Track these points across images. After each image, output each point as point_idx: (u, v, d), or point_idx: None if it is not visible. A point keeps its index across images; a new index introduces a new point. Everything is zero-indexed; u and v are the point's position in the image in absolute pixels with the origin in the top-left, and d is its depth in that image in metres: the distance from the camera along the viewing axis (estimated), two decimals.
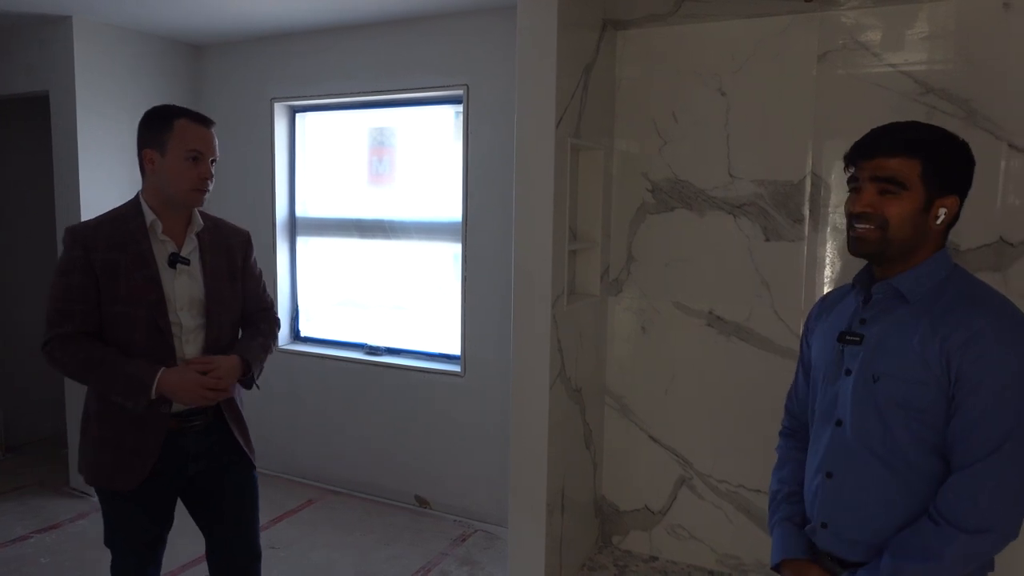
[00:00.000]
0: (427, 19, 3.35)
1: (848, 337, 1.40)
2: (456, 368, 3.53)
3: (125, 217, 1.84)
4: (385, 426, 3.71)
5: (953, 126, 2.53)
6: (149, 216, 1.84)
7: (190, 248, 1.89)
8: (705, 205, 2.91)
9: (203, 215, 1.96)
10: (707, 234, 2.90)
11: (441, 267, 3.63)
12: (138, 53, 3.72)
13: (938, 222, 1.33)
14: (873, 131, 1.39)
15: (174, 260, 1.84)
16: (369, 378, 3.73)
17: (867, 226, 1.34)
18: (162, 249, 1.85)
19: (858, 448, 1.36)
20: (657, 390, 3.06)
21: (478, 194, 3.35)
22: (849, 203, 1.38)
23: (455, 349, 3.55)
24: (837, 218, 2.71)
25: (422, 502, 3.65)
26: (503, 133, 3.19)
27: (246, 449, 2.00)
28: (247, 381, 1.95)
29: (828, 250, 2.74)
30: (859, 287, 1.45)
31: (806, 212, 2.75)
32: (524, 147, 2.55)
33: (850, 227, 1.38)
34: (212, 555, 2.06)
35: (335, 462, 3.85)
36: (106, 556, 1.99)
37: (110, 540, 1.95)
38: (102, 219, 1.85)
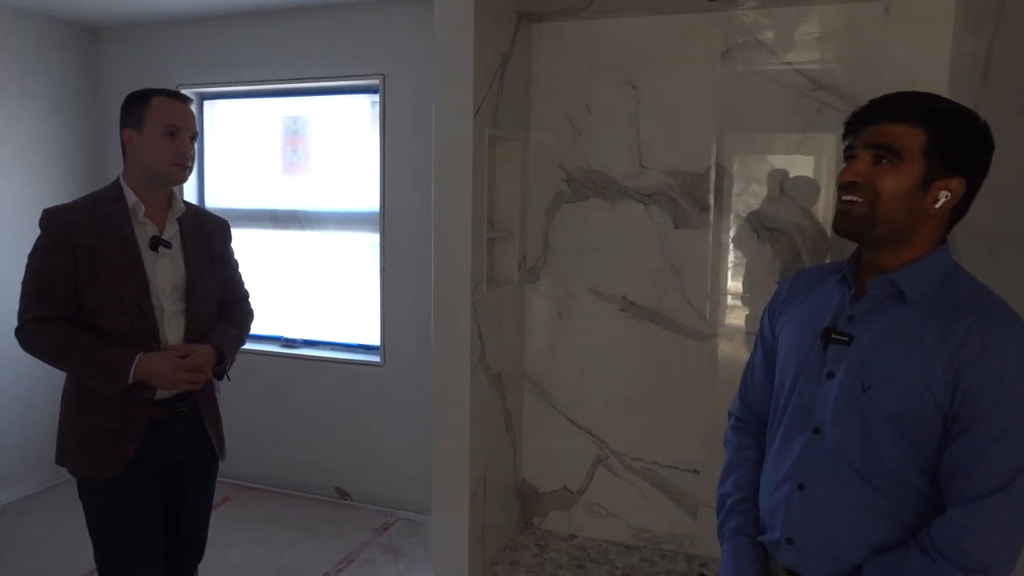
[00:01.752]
0: (343, 6, 3.32)
1: (835, 336, 1.22)
2: (376, 358, 3.53)
3: (106, 200, 1.81)
4: (303, 419, 3.66)
5: (840, 121, 2.74)
6: (131, 199, 1.81)
7: (171, 232, 1.87)
8: (618, 194, 3.02)
9: (184, 201, 1.94)
10: (620, 222, 3.02)
11: (359, 257, 3.61)
12: (26, 36, 3.51)
13: (937, 206, 1.15)
14: (881, 96, 1.20)
15: (156, 243, 1.82)
16: (286, 371, 3.68)
17: (855, 198, 1.16)
18: (144, 232, 1.82)
19: (836, 460, 1.20)
20: (574, 374, 3.16)
21: (396, 184, 3.36)
22: (840, 173, 1.20)
23: (374, 339, 3.54)
24: (740, 206, 2.87)
25: (343, 494, 3.63)
26: (420, 123, 3.21)
27: (215, 442, 1.98)
28: (218, 372, 1.94)
29: (732, 236, 2.90)
30: (847, 277, 1.27)
31: (711, 200, 2.90)
32: (442, 137, 2.58)
33: (837, 199, 1.20)
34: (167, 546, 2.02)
35: (252, 458, 3.77)
36: None
37: (103, 546, 1.84)
38: (81, 202, 1.81)
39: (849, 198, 1.16)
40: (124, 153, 1.85)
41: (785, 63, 2.76)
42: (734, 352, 2.92)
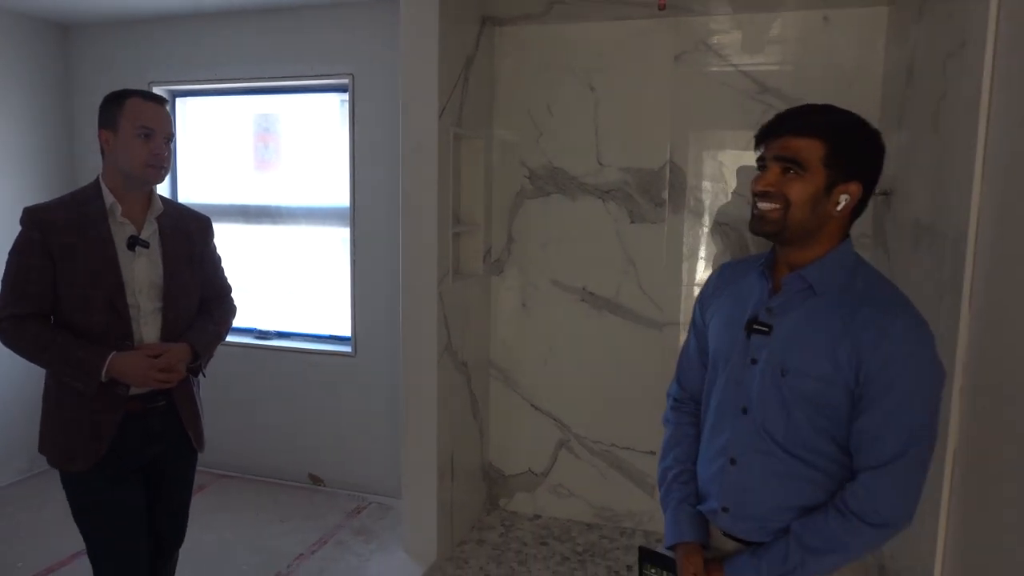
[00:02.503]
0: (313, 8, 3.42)
1: (756, 326, 1.36)
2: (347, 349, 3.64)
3: (84, 199, 1.84)
4: (277, 409, 3.77)
5: None
6: (108, 199, 1.83)
7: (149, 231, 1.90)
8: (578, 190, 3.17)
9: (163, 200, 1.96)
10: (580, 217, 3.17)
11: (329, 251, 3.72)
12: None
13: (838, 208, 1.28)
14: (785, 111, 1.35)
15: (133, 243, 1.84)
16: (259, 362, 3.78)
17: (769, 205, 1.29)
18: (121, 232, 1.84)
19: (762, 436, 1.35)
20: (537, 361, 3.31)
21: (365, 180, 3.47)
22: (753, 182, 1.34)
23: (345, 330, 3.66)
24: (692, 202, 3.04)
25: (316, 480, 3.75)
26: (388, 121, 3.32)
27: (191, 435, 1.99)
28: (194, 369, 1.95)
29: (685, 230, 3.07)
30: (765, 273, 1.40)
31: (666, 196, 3.06)
32: (409, 136, 2.71)
33: (753, 206, 1.34)
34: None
35: (226, 447, 3.87)
36: None
37: (88, 547, 1.89)
38: (60, 201, 1.85)
39: (763, 204, 1.30)
40: (102, 153, 1.87)
41: (733, 66, 2.93)
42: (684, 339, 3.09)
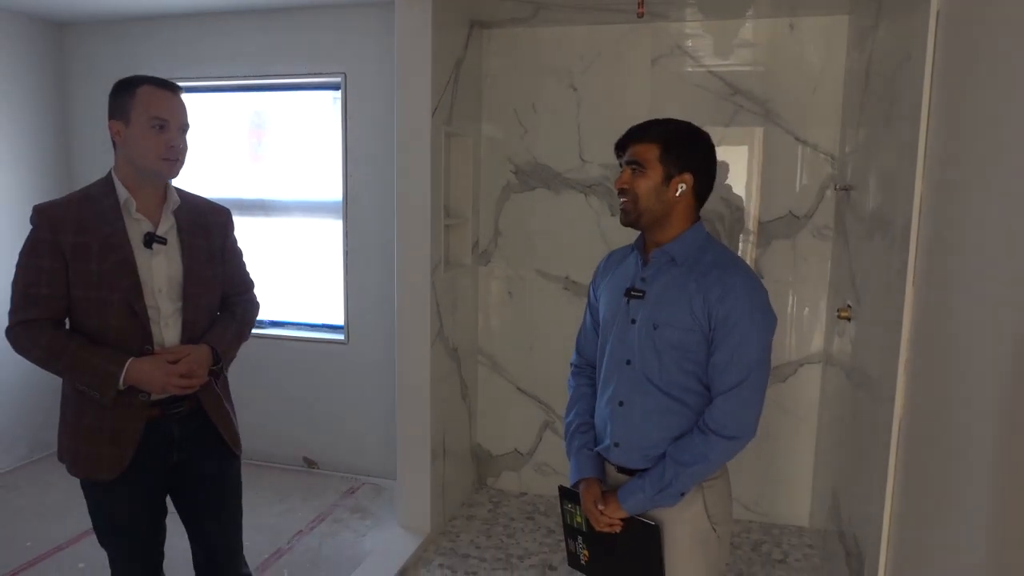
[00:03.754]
0: (306, 9, 3.56)
1: (633, 292, 1.66)
2: (340, 337, 3.80)
3: (97, 196, 1.73)
4: (273, 395, 3.91)
5: (755, 122, 3.14)
6: (123, 194, 1.73)
7: (167, 226, 1.78)
8: (561, 185, 3.36)
9: (180, 192, 1.85)
10: (563, 210, 3.36)
11: (323, 243, 3.87)
12: None
13: (678, 194, 1.59)
14: (633, 126, 1.67)
15: (150, 240, 1.73)
16: (256, 350, 3.90)
17: (624, 199, 1.61)
18: (137, 228, 1.73)
19: (643, 381, 1.64)
20: (523, 347, 3.50)
21: (357, 174, 3.62)
22: (615, 184, 1.66)
23: (339, 319, 3.82)
24: None
25: (310, 463, 3.91)
26: (379, 118, 3.48)
27: (225, 437, 1.90)
28: (215, 372, 1.85)
29: None
30: (638, 252, 1.71)
31: None
32: (404, 135, 2.88)
33: (619, 202, 1.65)
34: (194, 553, 1.99)
35: None
36: None
37: (105, 540, 1.84)
38: (72, 198, 1.74)
39: (621, 200, 1.62)
40: (114, 145, 1.76)
41: (706, 69, 3.13)
42: None
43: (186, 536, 1.98)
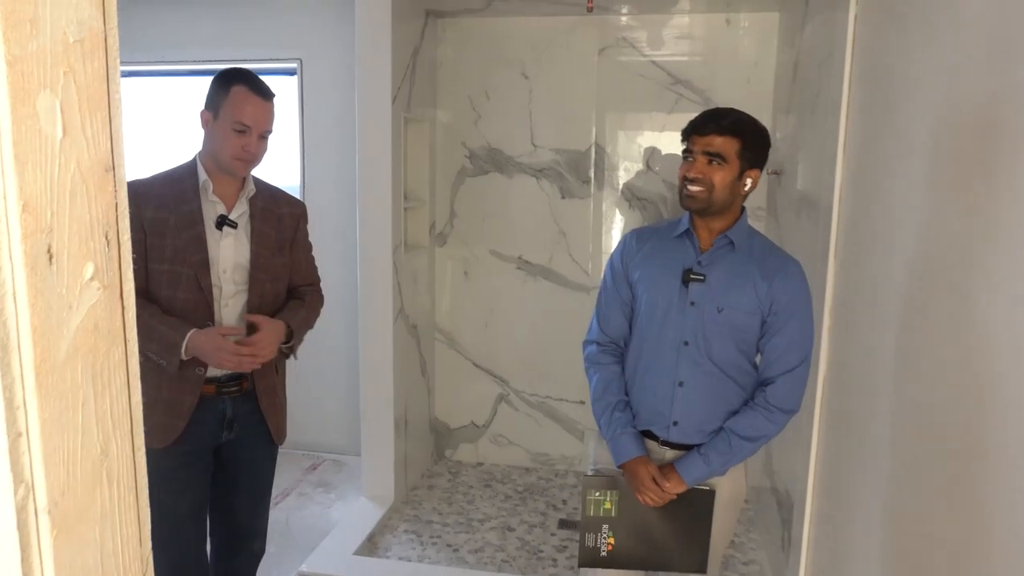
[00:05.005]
0: None
1: (693, 276, 1.70)
2: None
3: (180, 176, 1.83)
4: None
5: (696, 110, 3.34)
6: (202, 176, 1.83)
7: (240, 212, 1.87)
8: (513, 169, 3.52)
9: (258, 182, 1.94)
10: (516, 193, 3.53)
11: None
12: None
13: (745, 190, 1.68)
14: (705, 113, 1.69)
15: (221, 222, 1.82)
16: None
17: (698, 188, 1.64)
18: (212, 210, 1.83)
19: (703, 361, 1.71)
20: (478, 324, 3.67)
21: (315, 159, 3.71)
22: (684, 169, 1.68)
23: None
24: (615, 179, 3.45)
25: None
26: (336, 104, 3.57)
27: (270, 425, 1.95)
28: (286, 350, 1.92)
29: (608, 205, 3.47)
30: (689, 236, 1.75)
31: (592, 175, 3.46)
32: (365, 121, 2.99)
33: (683, 187, 1.68)
34: (216, 528, 2.03)
35: None
36: None
37: (157, 523, 1.82)
38: (158, 176, 1.84)
39: (695, 188, 1.66)
40: (204, 130, 1.85)
41: (650, 60, 3.33)
42: None
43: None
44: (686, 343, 1.73)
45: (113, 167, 0.47)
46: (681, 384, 1.75)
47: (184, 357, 1.74)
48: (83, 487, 0.44)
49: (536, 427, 3.68)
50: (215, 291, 1.81)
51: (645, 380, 1.80)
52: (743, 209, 1.76)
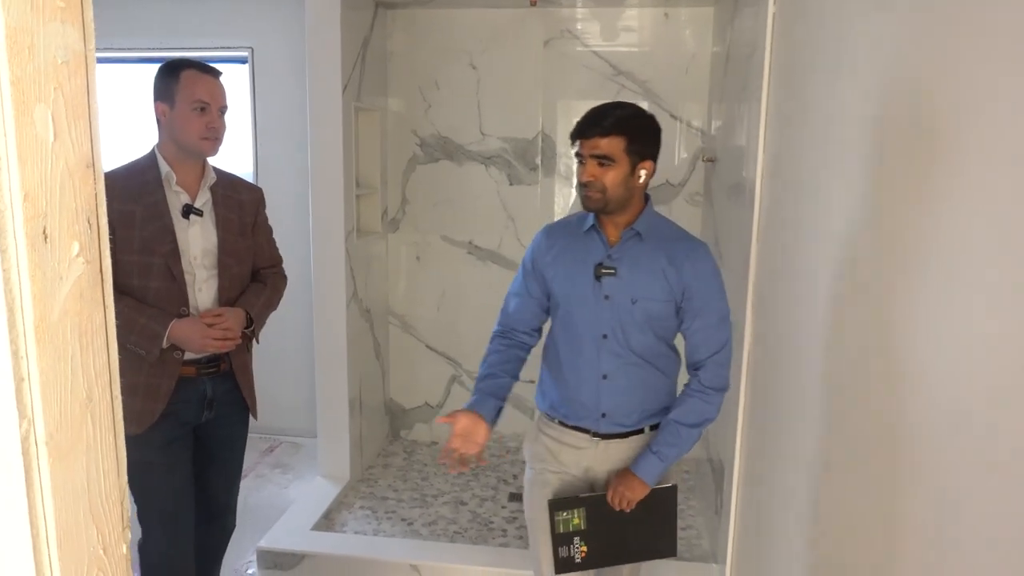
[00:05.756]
0: None
1: (604, 270, 1.72)
2: None
3: (141, 169, 1.88)
4: None
5: (636, 100, 3.50)
6: (164, 168, 1.87)
7: (203, 200, 1.94)
8: (463, 157, 3.63)
9: (216, 170, 2.01)
10: (465, 180, 3.64)
11: None
12: None
13: (640, 181, 1.69)
14: (588, 115, 1.68)
15: (188, 211, 1.88)
16: None
17: (593, 191, 1.66)
18: (176, 200, 1.88)
19: (624, 353, 1.73)
20: (431, 308, 3.78)
21: (267, 146, 3.76)
22: (578, 174, 1.71)
23: None
24: (560, 167, 3.58)
25: None
26: (288, 92, 3.62)
27: (248, 401, 2.06)
28: (247, 335, 2.01)
29: (555, 191, 3.61)
30: (596, 232, 1.77)
31: (539, 162, 3.58)
32: (317, 111, 3.06)
33: (580, 191, 1.70)
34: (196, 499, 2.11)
35: None
36: None
37: (137, 498, 1.93)
38: (119, 170, 1.88)
39: (588, 192, 1.68)
40: (158, 124, 1.90)
41: (593, 52, 3.46)
42: None
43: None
44: (605, 336, 1.75)
45: (93, 164, 0.58)
46: (605, 377, 1.77)
47: (165, 346, 1.82)
48: (72, 424, 0.54)
49: None
50: (188, 278, 1.89)
51: (569, 376, 1.81)
52: (647, 198, 1.78)
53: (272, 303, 2.12)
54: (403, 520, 3.10)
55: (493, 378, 1.85)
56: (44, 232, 0.53)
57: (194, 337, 1.83)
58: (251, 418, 2.15)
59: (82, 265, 0.57)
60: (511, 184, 3.61)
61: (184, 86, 1.83)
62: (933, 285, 1.03)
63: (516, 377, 1.90)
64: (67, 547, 0.54)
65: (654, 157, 1.72)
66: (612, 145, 1.65)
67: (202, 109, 1.84)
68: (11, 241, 0.50)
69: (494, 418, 1.80)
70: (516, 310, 1.91)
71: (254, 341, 2.09)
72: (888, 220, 1.24)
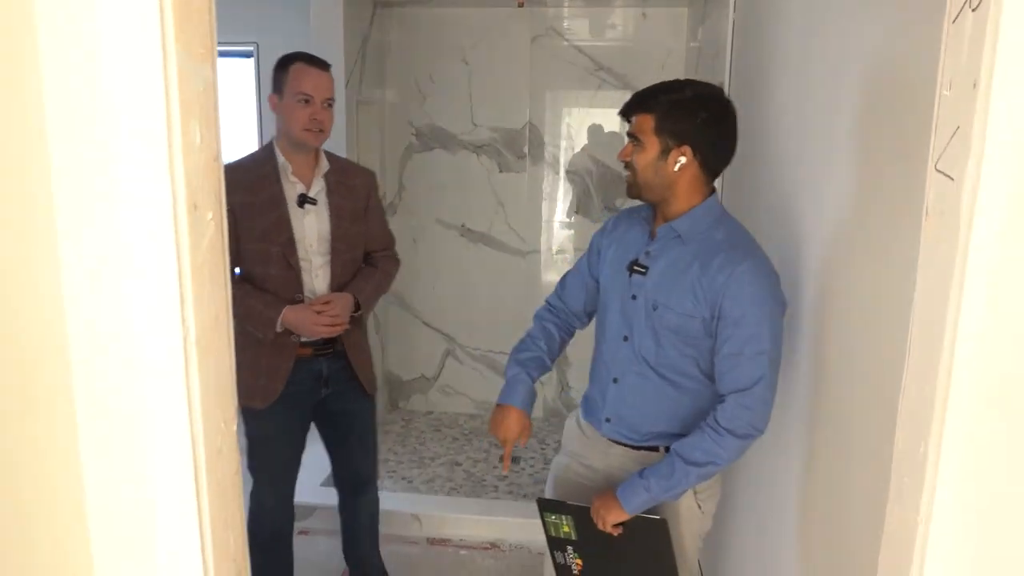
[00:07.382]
0: None
1: (636, 268, 1.55)
2: None
3: (260, 161, 1.98)
4: None
5: (616, 96, 3.76)
6: (280, 159, 1.96)
7: (317, 189, 2.01)
8: (456, 146, 3.89)
9: (330, 158, 2.08)
10: (458, 168, 3.90)
11: None
12: None
13: (677, 168, 1.44)
14: (638, 91, 1.50)
15: (302, 200, 1.97)
16: None
17: (626, 173, 1.52)
18: (292, 190, 1.97)
19: (638, 360, 1.57)
20: (427, 287, 4.05)
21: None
22: (619, 155, 1.54)
23: None
24: (547, 155, 3.85)
25: None
26: None
27: (361, 378, 2.15)
28: (356, 318, 2.10)
29: (542, 178, 3.88)
30: (646, 224, 1.59)
31: (527, 151, 3.86)
32: None
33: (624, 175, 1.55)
34: (335, 475, 2.34)
35: None
36: None
37: (252, 462, 2.10)
38: (241, 162, 1.99)
39: (626, 173, 1.54)
40: (276, 116, 1.99)
41: (575, 48, 3.73)
42: (544, 264, 3.95)
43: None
44: (625, 338, 1.61)
45: (218, 158, 0.86)
46: (616, 380, 1.64)
47: (279, 331, 1.95)
48: (210, 333, 0.82)
49: (480, 378, 4.10)
50: (304, 264, 1.99)
51: (593, 369, 1.74)
52: (712, 192, 1.53)
53: (383, 287, 2.19)
54: (403, 479, 3.39)
55: (523, 351, 1.75)
56: (195, 204, 0.80)
57: (304, 323, 1.93)
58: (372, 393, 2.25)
59: (214, 226, 0.85)
60: (500, 171, 3.88)
61: (292, 78, 1.91)
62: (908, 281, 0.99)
63: (551, 352, 1.76)
64: (208, 414, 0.82)
65: (695, 143, 1.46)
66: (642, 123, 1.47)
67: (306, 101, 1.90)
68: (204, 212, 0.79)
69: (526, 400, 1.70)
70: (569, 285, 1.80)
71: (363, 323, 2.19)
72: (858, 217, 1.26)
